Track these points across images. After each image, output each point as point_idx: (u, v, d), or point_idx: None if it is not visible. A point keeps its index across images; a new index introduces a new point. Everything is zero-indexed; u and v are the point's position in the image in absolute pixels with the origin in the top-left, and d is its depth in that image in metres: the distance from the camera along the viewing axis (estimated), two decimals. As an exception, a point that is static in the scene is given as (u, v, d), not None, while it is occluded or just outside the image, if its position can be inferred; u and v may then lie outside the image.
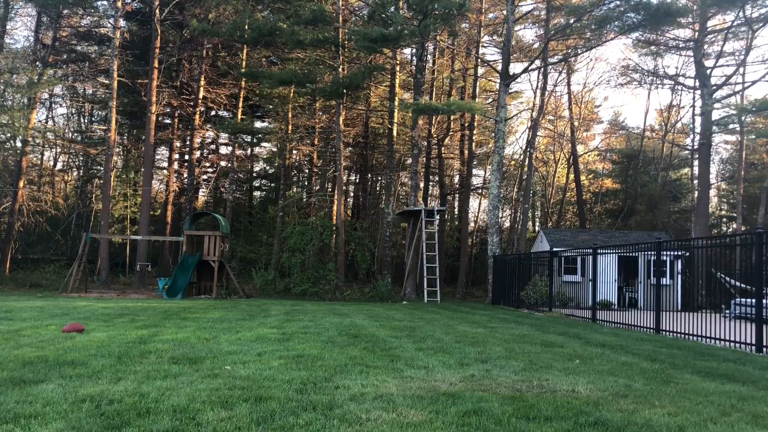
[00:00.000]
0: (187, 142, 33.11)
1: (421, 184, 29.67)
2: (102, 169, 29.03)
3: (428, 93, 31.33)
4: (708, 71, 26.18)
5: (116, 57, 25.68)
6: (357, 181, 39.23)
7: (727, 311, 13.78)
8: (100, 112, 35.98)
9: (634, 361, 7.16)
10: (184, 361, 6.24)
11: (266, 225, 33.39)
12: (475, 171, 37.82)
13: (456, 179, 39.57)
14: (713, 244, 11.18)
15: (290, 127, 31.75)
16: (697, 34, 26.51)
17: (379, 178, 37.81)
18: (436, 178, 36.02)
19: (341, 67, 26.07)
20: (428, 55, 31.12)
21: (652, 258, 13.50)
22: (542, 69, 30.41)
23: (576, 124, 37.22)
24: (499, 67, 25.92)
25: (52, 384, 4.97)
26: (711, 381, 5.98)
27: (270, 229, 32.12)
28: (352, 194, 39.45)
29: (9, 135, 28.32)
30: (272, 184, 39.70)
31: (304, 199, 33.94)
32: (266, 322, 10.92)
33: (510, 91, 27.89)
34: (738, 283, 12.68)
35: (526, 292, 18.44)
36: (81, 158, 34.50)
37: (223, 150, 37.15)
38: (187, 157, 33.25)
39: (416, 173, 25.41)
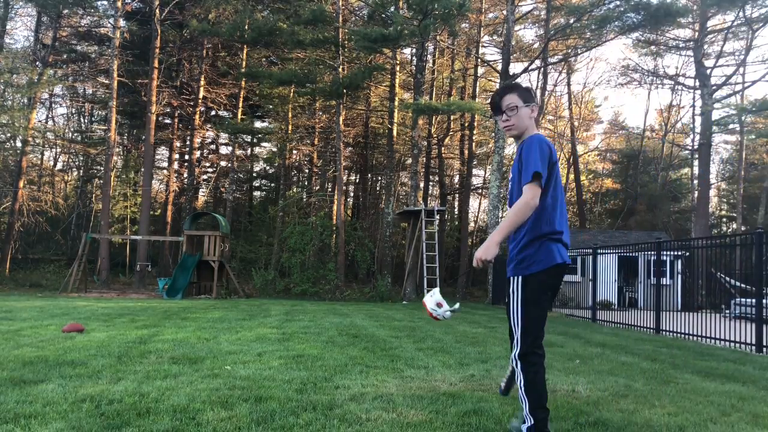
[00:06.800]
0: (187, 142, 33.12)
1: (421, 184, 29.66)
2: (102, 169, 29.04)
3: (428, 93, 31.32)
4: (708, 71, 26.19)
5: (116, 57, 25.67)
6: (357, 181, 39.23)
7: (727, 311, 13.78)
8: (100, 112, 35.98)
9: (634, 361, 7.16)
10: (184, 361, 6.24)
11: (266, 225, 33.39)
12: (475, 171, 37.84)
13: (456, 179, 39.56)
14: (713, 244, 11.18)
15: (290, 127, 31.74)
16: (697, 34, 26.53)
17: (379, 178, 37.81)
18: (436, 178, 36.01)
19: (341, 67, 26.06)
20: (428, 55, 31.12)
21: (652, 258, 13.49)
22: (542, 69, 30.40)
23: (576, 124, 37.23)
24: (499, 67, 25.92)
25: (52, 384, 4.97)
26: (711, 381, 5.98)
27: (270, 229, 32.12)
28: (352, 194, 39.46)
29: (9, 135, 28.34)
30: (272, 184, 39.70)
31: (304, 199, 33.94)
32: (266, 322, 10.92)
33: (510, 91, 27.83)
34: (738, 283, 12.68)
35: (526, 292, 18.39)
36: (81, 158, 34.51)
37: (223, 150, 37.19)
38: (187, 157, 33.26)
39: (416, 173, 25.41)
